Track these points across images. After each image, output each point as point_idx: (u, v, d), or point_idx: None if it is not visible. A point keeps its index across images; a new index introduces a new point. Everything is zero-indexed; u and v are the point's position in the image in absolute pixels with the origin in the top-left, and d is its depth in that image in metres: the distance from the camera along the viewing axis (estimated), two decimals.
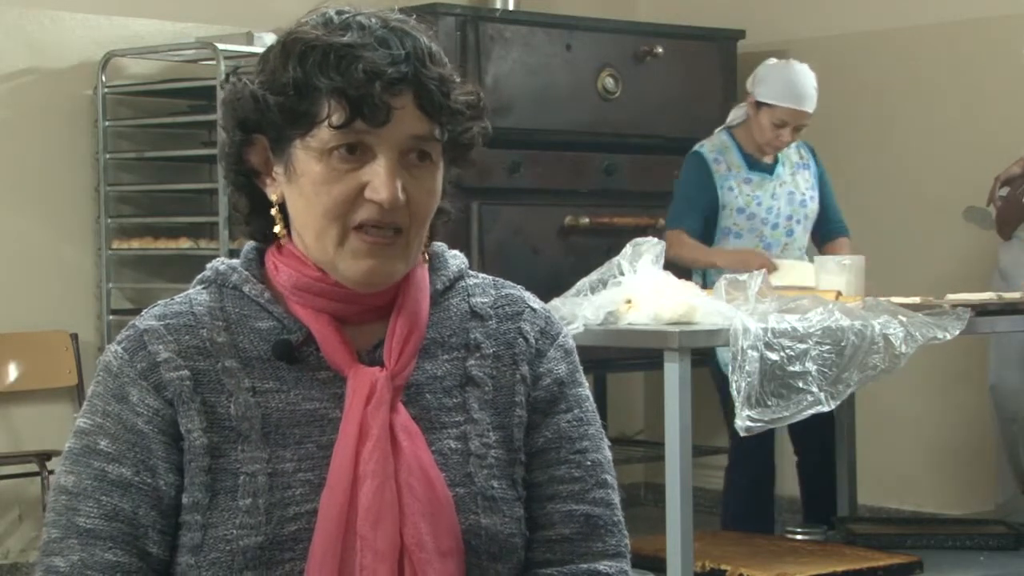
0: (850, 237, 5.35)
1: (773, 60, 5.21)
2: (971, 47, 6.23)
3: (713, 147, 5.23)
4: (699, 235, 5.13)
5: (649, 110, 6.27)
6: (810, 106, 5.10)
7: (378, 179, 1.65)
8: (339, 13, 1.69)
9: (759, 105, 5.11)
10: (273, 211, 1.73)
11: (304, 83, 1.65)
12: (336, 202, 1.66)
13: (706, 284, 4.82)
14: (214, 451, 1.68)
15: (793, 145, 5.25)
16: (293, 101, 1.66)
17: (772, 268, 4.74)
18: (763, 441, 5.04)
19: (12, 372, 5.77)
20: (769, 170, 5.22)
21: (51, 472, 5.44)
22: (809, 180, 5.30)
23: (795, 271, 4.78)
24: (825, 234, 5.34)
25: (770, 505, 5.24)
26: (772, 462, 5.24)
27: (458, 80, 1.71)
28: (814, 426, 5.12)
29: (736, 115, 5.26)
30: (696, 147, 5.27)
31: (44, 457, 5.45)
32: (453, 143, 1.72)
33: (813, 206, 5.28)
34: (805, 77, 5.11)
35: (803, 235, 5.27)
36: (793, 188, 5.24)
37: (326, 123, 1.65)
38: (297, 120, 1.66)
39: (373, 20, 1.68)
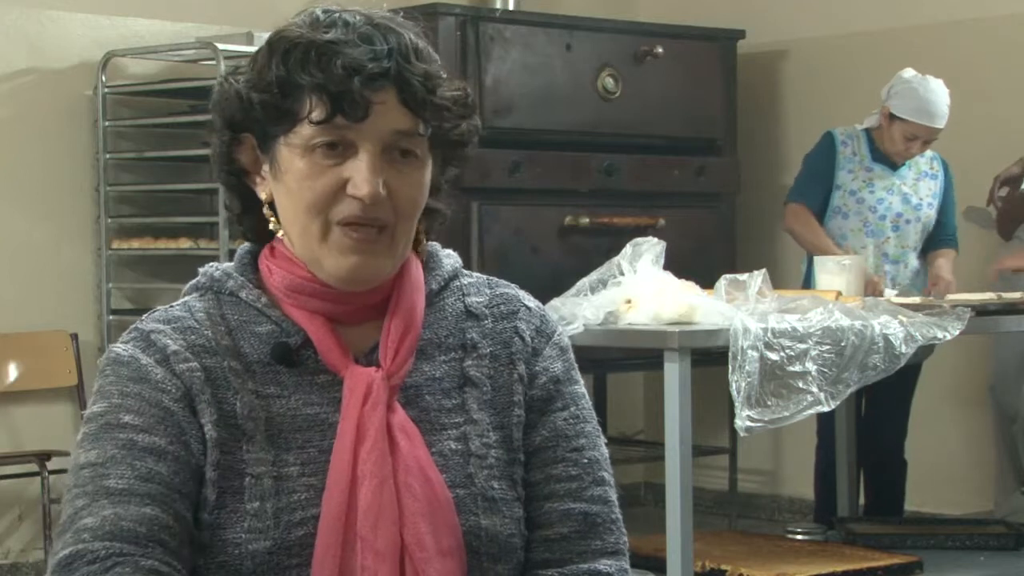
0: (957, 251, 5.44)
1: (910, 73, 5.31)
2: (971, 47, 6.22)
3: (845, 132, 5.41)
4: (818, 210, 5.33)
5: (649, 110, 6.27)
6: (941, 123, 5.24)
7: (359, 175, 1.65)
8: (326, 12, 1.70)
9: (892, 118, 5.24)
10: (265, 210, 1.73)
11: (287, 80, 1.65)
12: (318, 196, 1.66)
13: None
14: (223, 446, 1.66)
15: (927, 154, 5.39)
16: (276, 98, 1.66)
17: (879, 293, 4.89)
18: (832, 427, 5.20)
19: (12, 372, 5.76)
20: (893, 167, 5.35)
21: (51, 472, 5.44)
22: (932, 190, 5.41)
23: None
24: (934, 243, 5.43)
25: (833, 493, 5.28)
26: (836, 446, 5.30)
27: (445, 76, 1.70)
28: (883, 434, 5.22)
29: (871, 121, 5.39)
30: (831, 129, 5.46)
31: (44, 457, 5.45)
32: (442, 140, 1.71)
33: (929, 213, 5.38)
34: (939, 95, 5.23)
35: (913, 236, 5.36)
36: (911, 192, 5.36)
37: (307, 119, 1.65)
38: (280, 117, 1.67)
39: (358, 18, 1.68)
